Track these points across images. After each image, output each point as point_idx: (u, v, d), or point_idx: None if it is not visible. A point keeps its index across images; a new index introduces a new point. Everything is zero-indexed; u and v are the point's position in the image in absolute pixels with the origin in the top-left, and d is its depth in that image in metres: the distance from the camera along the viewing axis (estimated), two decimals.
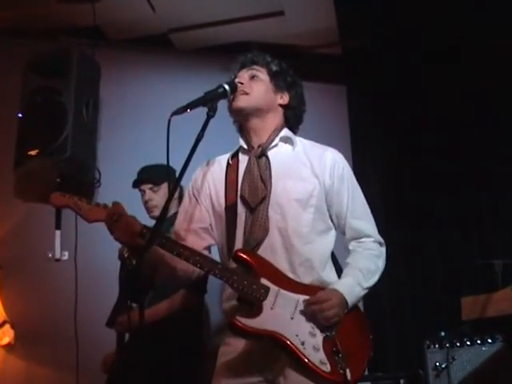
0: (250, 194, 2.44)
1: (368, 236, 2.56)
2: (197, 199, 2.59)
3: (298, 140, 2.63)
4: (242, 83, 2.56)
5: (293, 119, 2.67)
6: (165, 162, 2.34)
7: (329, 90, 5.29)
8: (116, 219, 2.39)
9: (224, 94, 2.48)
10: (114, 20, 4.89)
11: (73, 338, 4.10)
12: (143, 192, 3.97)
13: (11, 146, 4.52)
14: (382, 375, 3.97)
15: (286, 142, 2.60)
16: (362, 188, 4.93)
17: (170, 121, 2.26)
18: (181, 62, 5.17)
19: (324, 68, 5.24)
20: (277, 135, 2.58)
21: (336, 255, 2.61)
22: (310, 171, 2.52)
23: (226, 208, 2.48)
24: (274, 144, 2.57)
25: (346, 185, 2.56)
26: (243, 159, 2.57)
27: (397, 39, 4.91)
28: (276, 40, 5.15)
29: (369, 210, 2.62)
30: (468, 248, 4.78)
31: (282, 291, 2.32)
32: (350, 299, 2.37)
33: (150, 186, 3.95)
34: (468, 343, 3.69)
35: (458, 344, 3.71)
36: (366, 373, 4.16)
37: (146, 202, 3.94)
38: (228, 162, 2.60)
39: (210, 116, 2.41)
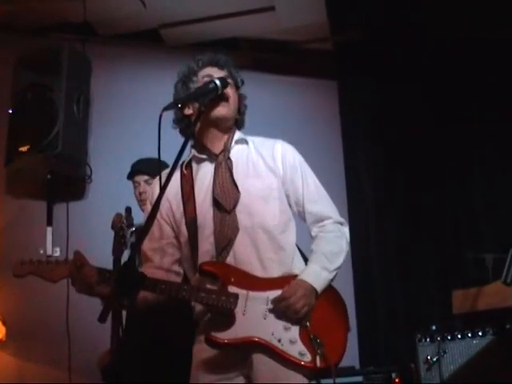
0: (224, 199, 2.46)
1: (328, 218, 2.60)
2: (156, 216, 2.54)
3: (249, 138, 2.66)
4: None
5: (241, 123, 2.71)
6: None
7: (320, 85, 5.30)
8: (78, 269, 2.36)
9: (215, 90, 2.48)
10: (104, 16, 4.87)
11: (64, 334, 4.10)
12: (137, 184, 3.93)
13: (2, 142, 4.51)
14: (374, 369, 3.99)
15: (240, 144, 2.63)
16: (352, 181, 4.97)
17: (161, 116, 2.26)
18: (172, 57, 5.14)
19: (315, 63, 5.25)
20: (232, 139, 2.61)
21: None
22: (266, 166, 2.56)
23: (187, 223, 2.50)
24: (231, 147, 2.59)
25: (300, 172, 2.60)
26: (198, 168, 2.58)
27: (388, 33, 4.92)
28: (267, 35, 5.16)
29: (325, 193, 2.66)
30: (459, 242, 4.80)
31: (251, 293, 2.36)
32: (318, 285, 2.41)
33: (145, 178, 3.92)
34: (459, 336, 3.71)
35: (449, 337, 3.73)
36: (358, 367, 4.23)
37: (140, 194, 3.91)
38: (182, 173, 2.59)
39: (201, 111, 2.42)
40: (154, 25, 5.01)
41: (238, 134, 2.64)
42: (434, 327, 3.81)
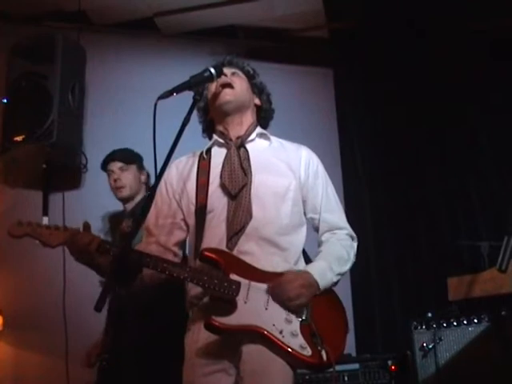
0: (230, 182, 2.48)
1: (341, 228, 2.62)
2: (168, 195, 2.60)
3: (273, 138, 2.69)
4: (225, 75, 2.61)
5: (263, 121, 2.75)
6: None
7: (315, 73, 5.29)
8: (75, 235, 2.35)
9: (210, 78, 2.50)
10: (99, 4, 4.86)
11: (61, 323, 4.10)
12: (111, 172, 3.99)
13: None
14: (370, 356, 3.99)
15: (262, 138, 2.67)
16: (348, 170, 4.95)
17: (156, 105, 2.27)
18: (166, 46, 5.15)
19: (311, 51, 5.23)
20: (253, 130, 2.65)
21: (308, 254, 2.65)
22: (287, 166, 2.58)
23: (196, 210, 2.51)
24: (251, 138, 2.63)
25: (320, 180, 2.64)
26: (217, 152, 2.61)
27: (384, 21, 4.91)
28: (262, 23, 5.15)
29: (341, 205, 2.70)
30: (454, 230, 4.81)
31: (253, 283, 2.34)
32: (322, 282, 2.41)
33: (119, 164, 3.97)
34: (454, 324, 3.72)
35: (444, 325, 3.74)
36: (354, 355, 4.24)
37: (114, 181, 3.96)
38: (202, 158, 2.62)
39: (196, 100, 2.44)
40: (149, 13, 4.99)
41: (259, 128, 2.68)
42: (429, 314, 3.82)
